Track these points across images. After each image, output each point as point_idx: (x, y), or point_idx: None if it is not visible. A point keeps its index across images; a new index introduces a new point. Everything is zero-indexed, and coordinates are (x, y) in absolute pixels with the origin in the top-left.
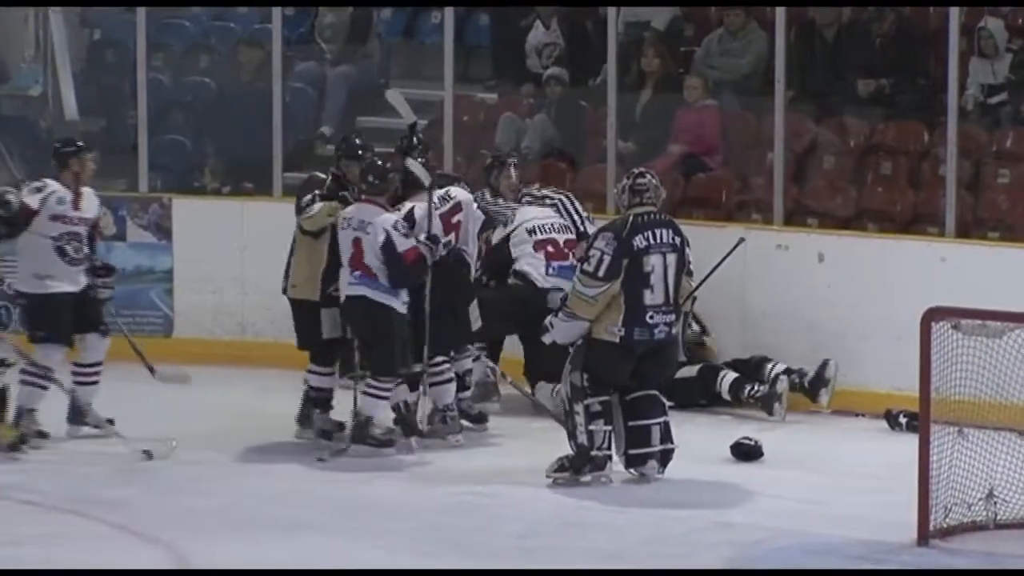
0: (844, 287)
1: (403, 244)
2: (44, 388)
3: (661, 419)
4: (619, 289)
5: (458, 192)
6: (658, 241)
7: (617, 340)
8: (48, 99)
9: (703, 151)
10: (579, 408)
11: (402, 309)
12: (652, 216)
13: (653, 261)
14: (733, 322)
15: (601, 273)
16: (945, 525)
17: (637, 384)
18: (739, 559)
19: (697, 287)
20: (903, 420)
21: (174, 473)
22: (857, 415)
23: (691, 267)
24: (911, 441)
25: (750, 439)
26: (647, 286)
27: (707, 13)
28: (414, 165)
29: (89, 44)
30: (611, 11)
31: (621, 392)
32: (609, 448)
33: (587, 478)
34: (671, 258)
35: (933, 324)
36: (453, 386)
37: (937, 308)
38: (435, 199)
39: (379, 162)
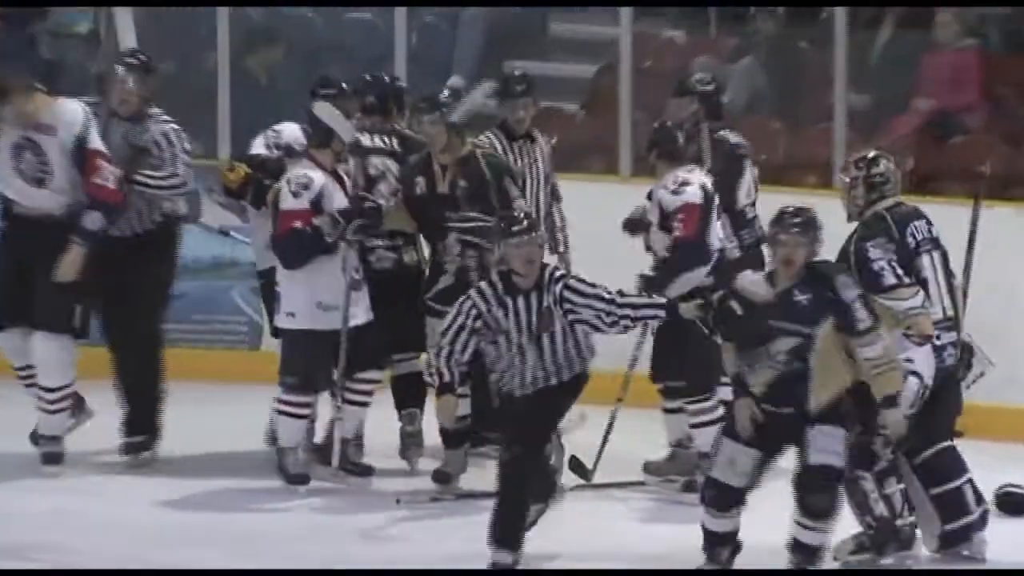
0: None
1: (286, 202)
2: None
3: (967, 474)
4: None
5: None
6: (923, 236)
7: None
8: (100, 38)
9: (960, 107)
10: (862, 472)
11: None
12: (905, 207)
13: (925, 263)
14: (1001, 334)
15: (907, 281)
16: None
17: (924, 437)
18: None
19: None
20: None
21: (254, 531)
22: None
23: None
24: None
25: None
26: (926, 297)
27: None
28: (323, 110)
29: None
30: None
31: (907, 454)
32: (911, 515)
33: (890, 560)
34: (937, 256)
35: None
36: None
37: None
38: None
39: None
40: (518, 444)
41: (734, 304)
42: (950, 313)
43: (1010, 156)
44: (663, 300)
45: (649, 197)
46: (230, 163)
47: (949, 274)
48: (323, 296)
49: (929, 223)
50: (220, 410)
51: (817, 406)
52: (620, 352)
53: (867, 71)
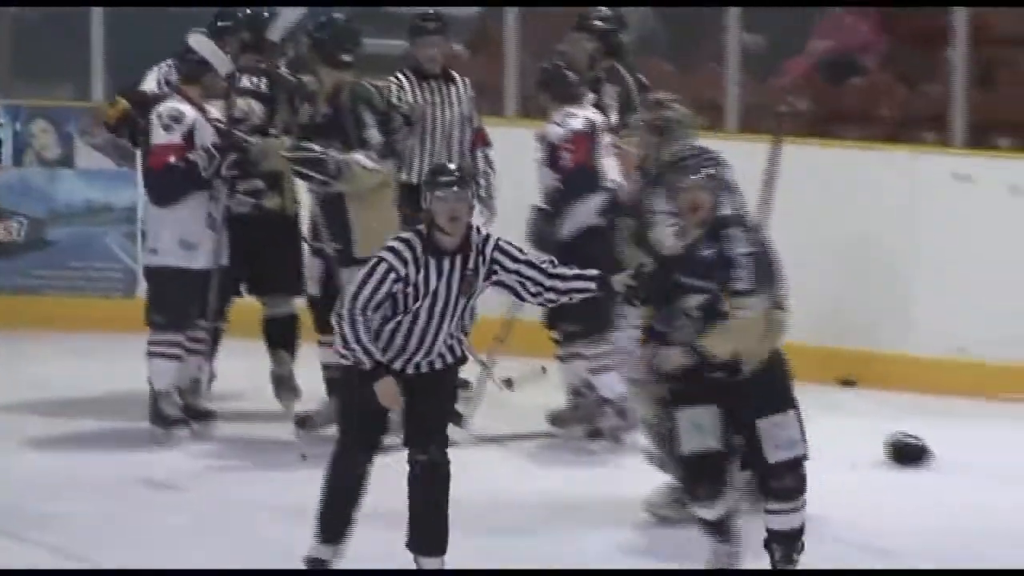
0: None
1: (158, 137)
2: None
3: None
4: None
5: None
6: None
7: None
8: None
9: (856, 48)
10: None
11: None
12: (701, 152)
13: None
14: (895, 279)
15: None
16: None
17: None
18: None
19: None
20: None
21: (135, 479)
22: None
23: None
24: None
25: (913, 437)
26: None
27: None
28: (200, 43)
29: None
30: None
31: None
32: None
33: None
34: (733, 201)
35: None
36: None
37: None
38: None
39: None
40: (436, 448)
41: (646, 261)
42: None
43: (907, 97)
44: (594, 273)
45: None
46: (115, 97)
47: None
48: (187, 234)
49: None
50: (95, 358)
51: (752, 367)
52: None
53: (761, 10)
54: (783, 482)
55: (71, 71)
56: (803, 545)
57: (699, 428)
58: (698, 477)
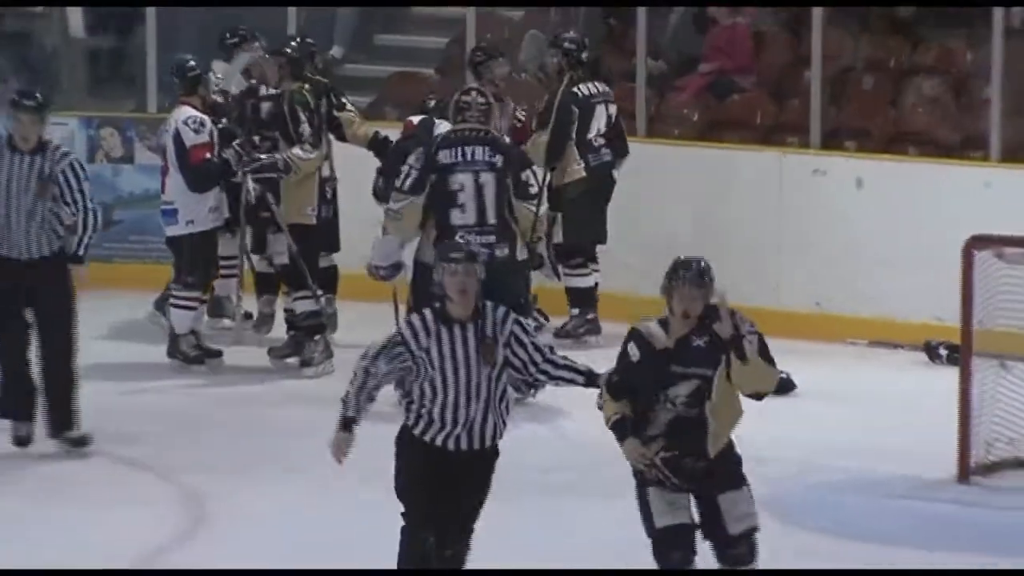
0: (884, 214)
1: (192, 138)
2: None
3: None
4: (423, 205)
5: None
6: (468, 159)
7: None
8: (52, 15)
9: (736, 71)
10: None
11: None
12: (468, 133)
13: (461, 179)
14: (767, 251)
15: (406, 187)
16: (987, 461)
17: None
18: (770, 497)
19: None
20: (943, 352)
21: (194, 408)
22: (895, 347)
23: (534, 190)
24: (952, 374)
25: (780, 372)
26: (455, 205)
27: None
28: (219, 67)
29: None
30: None
31: None
32: None
33: None
34: (487, 177)
35: (976, 253)
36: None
37: (980, 236)
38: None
39: (185, 61)
40: (461, 541)
41: (632, 348)
42: (492, 221)
43: (776, 110)
44: (584, 369)
45: None
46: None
47: (501, 194)
48: (214, 201)
49: (496, 151)
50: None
51: (715, 450)
52: None
53: (662, 42)
54: (739, 550)
55: (131, 89)
56: None
57: (672, 504)
58: (673, 547)
